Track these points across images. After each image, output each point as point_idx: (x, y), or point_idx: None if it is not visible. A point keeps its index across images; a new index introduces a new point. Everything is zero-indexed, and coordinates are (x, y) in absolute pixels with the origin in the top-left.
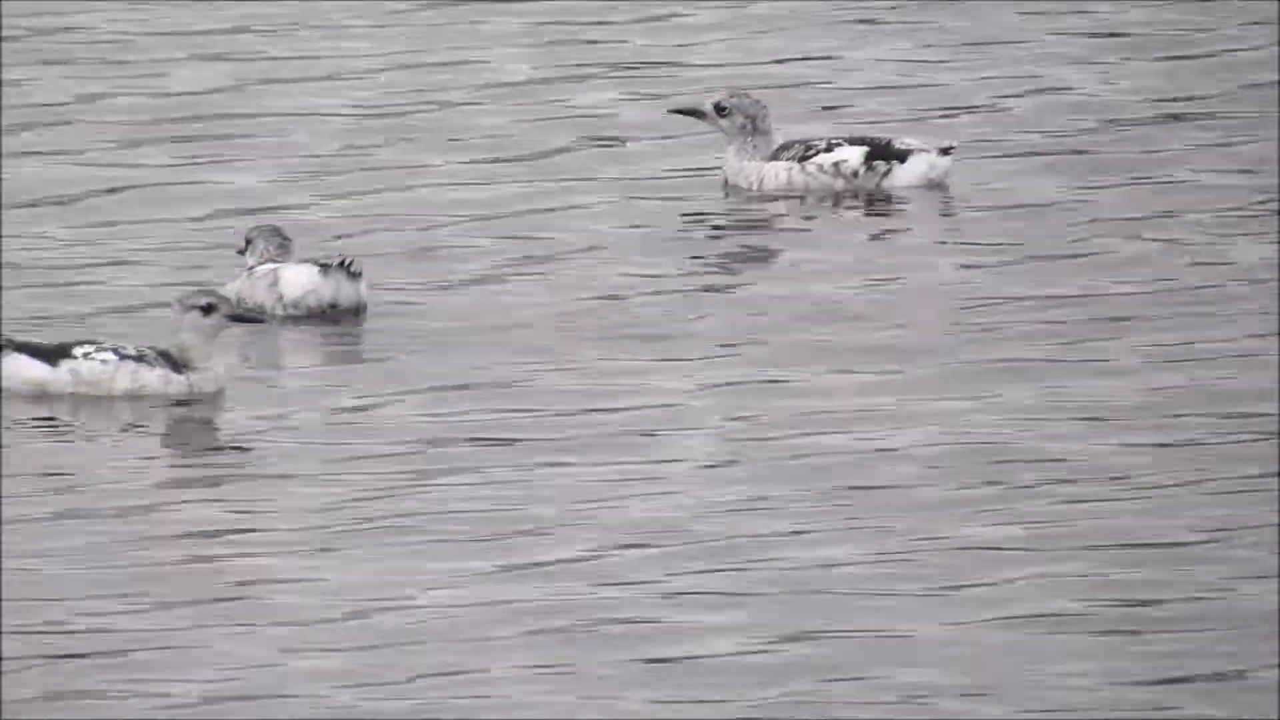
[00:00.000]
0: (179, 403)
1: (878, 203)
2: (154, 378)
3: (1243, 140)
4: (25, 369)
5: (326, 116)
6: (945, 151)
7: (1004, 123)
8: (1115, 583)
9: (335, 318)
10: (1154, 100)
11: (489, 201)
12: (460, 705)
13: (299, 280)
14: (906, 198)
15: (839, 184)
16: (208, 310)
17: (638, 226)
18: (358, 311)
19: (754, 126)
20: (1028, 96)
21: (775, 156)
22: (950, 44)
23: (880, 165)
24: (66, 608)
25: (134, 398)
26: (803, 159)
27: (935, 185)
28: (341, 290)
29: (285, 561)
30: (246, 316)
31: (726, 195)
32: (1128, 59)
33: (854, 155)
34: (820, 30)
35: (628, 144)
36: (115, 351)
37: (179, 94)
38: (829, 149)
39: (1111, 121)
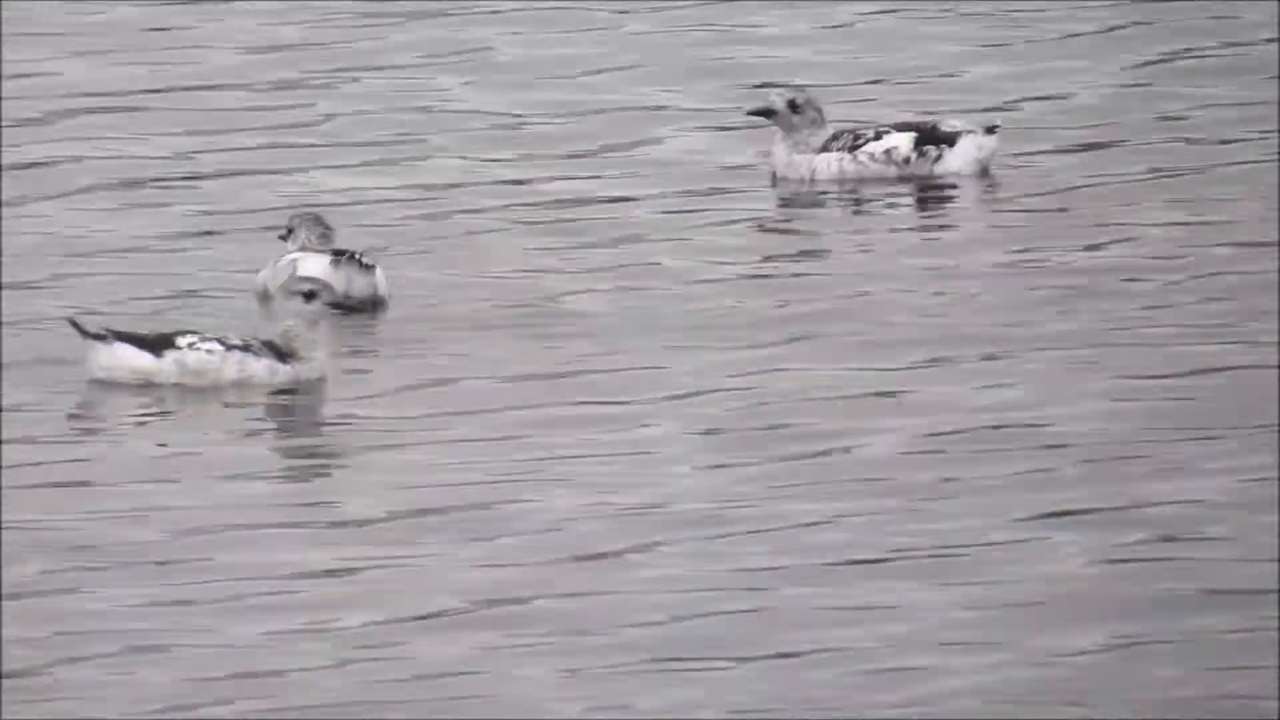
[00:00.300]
0: (282, 391)
1: (929, 189)
2: (260, 367)
3: None
4: (130, 359)
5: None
6: (991, 131)
7: (1039, 108)
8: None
9: (352, 309)
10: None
11: (546, 192)
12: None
13: (313, 271)
14: (956, 182)
15: (891, 171)
16: (309, 297)
17: (691, 220)
18: (375, 305)
19: (820, 118)
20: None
21: (825, 148)
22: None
23: (931, 150)
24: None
25: (240, 387)
26: (853, 148)
27: (983, 166)
28: (354, 282)
29: (391, 549)
30: (347, 304)
31: (775, 187)
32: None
33: (904, 141)
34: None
35: (665, 140)
36: (221, 341)
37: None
38: (878, 137)
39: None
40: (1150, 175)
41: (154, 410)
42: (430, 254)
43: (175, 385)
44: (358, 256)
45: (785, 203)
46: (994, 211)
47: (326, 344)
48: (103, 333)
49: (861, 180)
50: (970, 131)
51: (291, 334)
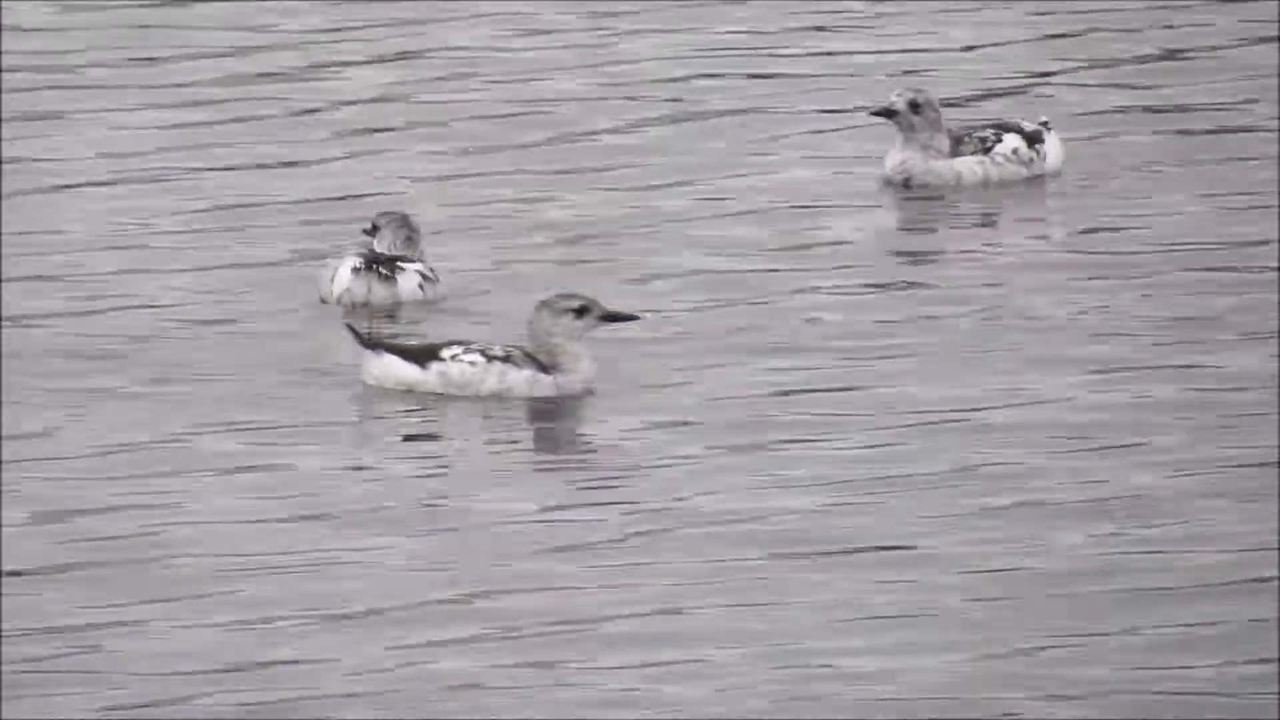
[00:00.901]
0: (545, 402)
1: (1040, 185)
2: (521, 379)
3: None
4: (397, 370)
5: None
6: (1047, 126)
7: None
8: None
9: (383, 315)
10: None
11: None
12: None
13: (340, 277)
14: (1052, 178)
15: (1022, 172)
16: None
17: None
18: (392, 313)
19: (940, 121)
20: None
21: (956, 151)
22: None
23: (1039, 149)
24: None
25: (500, 398)
26: (986, 150)
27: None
28: (374, 290)
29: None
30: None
31: (907, 190)
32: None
33: (1019, 141)
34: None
35: (778, 153)
36: (483, 353)
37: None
38: (998, 138)
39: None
40: (1164, 156)
41: (417, 420)
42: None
43: (439, 395)
44: (377, 267)
45: (938, 209)
46: (1099, 205)
47: (591, 356)
48: (374, 342)
49: (1001, 181)
50: (1044, 128)
51: (555, 346)
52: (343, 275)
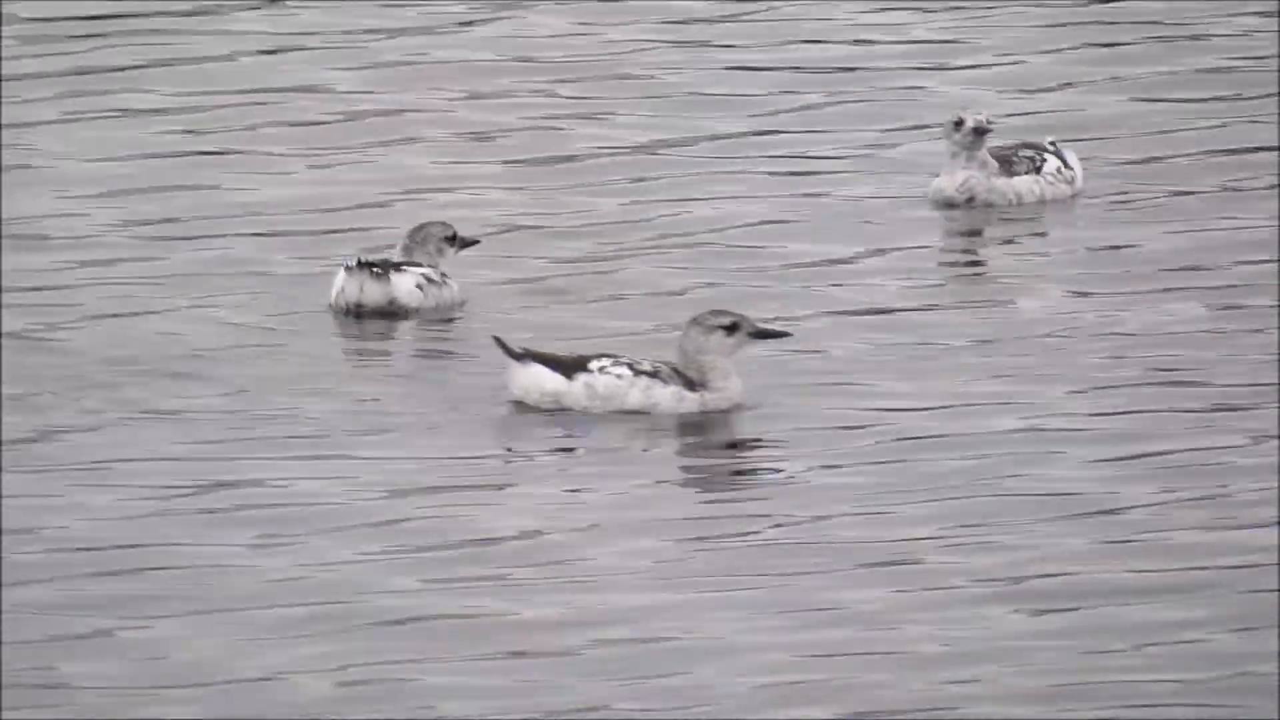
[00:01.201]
0: (692, 419)
1: (1077, 203)
2: (666, 394)
3: None
4: (543, 381)
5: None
6: (1054, 145)
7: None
8: None
9: (366, 316)
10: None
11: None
12: None
13: (337, 279)
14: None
15: (1067, 191)
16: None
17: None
18: (394, 313)
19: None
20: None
21: (1010, 171)
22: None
23: (1070, 167)
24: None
25: (645, 413)
26: (1037, 170)
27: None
28: (366, 290)
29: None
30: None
31: (969, 207)
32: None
33: (1058, 161)
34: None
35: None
36: (630, 366)
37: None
38: (1042, 158)
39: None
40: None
41: (563, 434)
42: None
43: (584, 409)
44: (369, 264)
45: (999, 226)
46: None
47: (738, 373)
48: (521, 353)
49: (1054, 200)
50: (1053, 147)
51: (704, 363)
52: (339, 277)
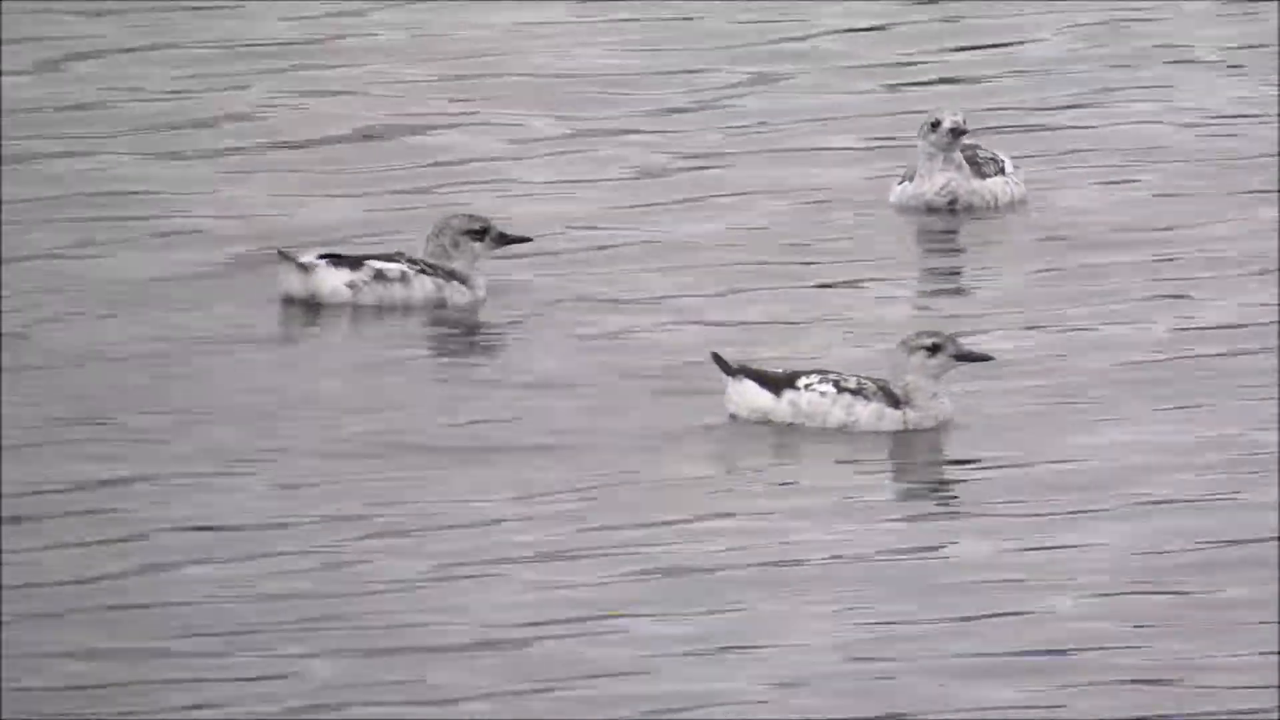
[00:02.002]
0: (896, 437)
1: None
2: (868, 412)
3: None
4: (753, 397)
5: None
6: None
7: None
8: None
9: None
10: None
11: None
12: None
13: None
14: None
15: (1024, 192)
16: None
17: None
18: (322, 306)
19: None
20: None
21: (981, 174)
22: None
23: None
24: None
25: (847, 431)
26: (1002, 171)
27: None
28: (289, 282)
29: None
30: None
31: (954, 212)
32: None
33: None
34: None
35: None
36: (836, 383)
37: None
38: (1001, 160)
39: None
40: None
41: (771, 449)
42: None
43: (790, 425)
44: (284, 253)
45: (992, 226)
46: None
47: (947, 394)
48: (736, 369)
49: (1022, 202)
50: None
51: (909, 384)
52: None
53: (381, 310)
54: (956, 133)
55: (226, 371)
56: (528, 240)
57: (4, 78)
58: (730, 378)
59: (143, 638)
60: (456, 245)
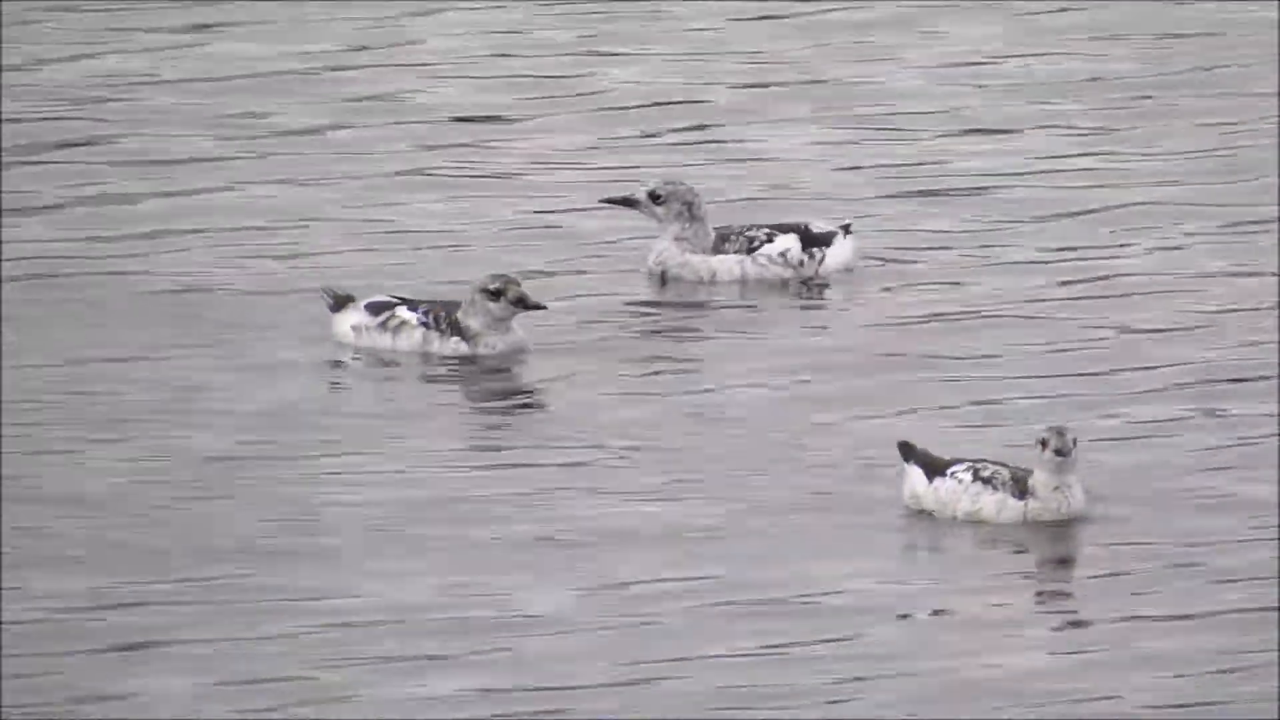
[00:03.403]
0: (1016, 528)
1: (816, 287)
2: (991, 502)
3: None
4: (912, 483)
5: None
6: (848, 230)
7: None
8: None
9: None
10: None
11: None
12: None
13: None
14: (833, 281)
15: (787, 273)
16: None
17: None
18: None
19: (690, 214)
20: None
21: (719, 249)
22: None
23: (816, 251)
24: None
25: (973, 522)
26: (750, 250)
27: (851, 265)
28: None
29: None
30: (530, 303)
31: (663, 286)
32: None
33: (795, 244)
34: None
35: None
36: (975, 471)
37: None
38: (769, 239)
39: None
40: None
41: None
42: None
43: (935, 514)
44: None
45: (684, 303)
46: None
47: (1076, 481)
48: (909, 454)
49: (760, 280)
50: (837, 232)
51: (1039, 481)
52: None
53: (377, 354)
54: (654, 199)
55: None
56: (541, 308)
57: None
58: (906, 464)
59: None
60: (473, 302)
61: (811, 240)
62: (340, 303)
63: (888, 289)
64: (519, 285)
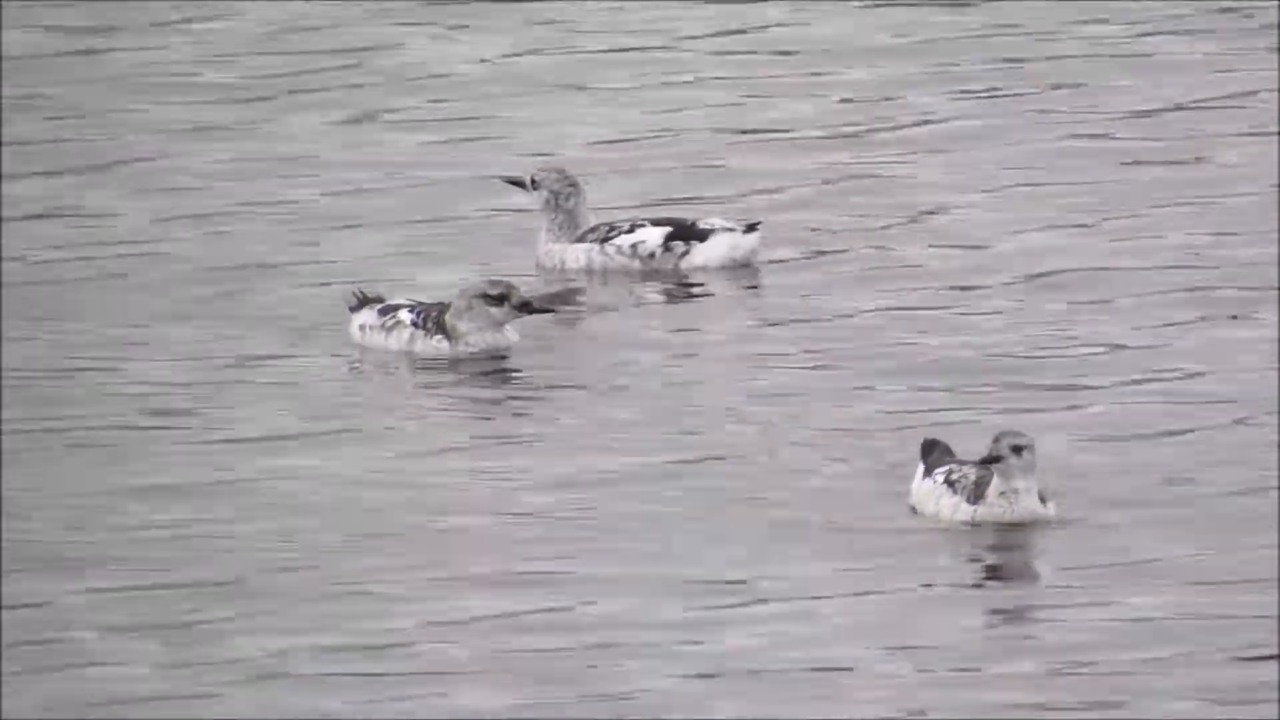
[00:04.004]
0: (967, 532)
1: (679, 284)
2: (949, 505)
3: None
4: (915, 480)
5: None
6: (751, 229)
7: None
8: None
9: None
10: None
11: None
12: None
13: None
14: (704, 279)
15: (635, 265)
16: (498, 300)
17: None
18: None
19: (557, 204)
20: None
21: (582, 238)
22: None
23: (678, 246)
24: None
25: (938, 522)
26: (604, 240)
27: (741, 264)
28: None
29: None
30: (535, 308)
31: (536, 273)
32: None
33: (653, 236)
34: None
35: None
36: (947, 473)
37: None
38: (631, 230)
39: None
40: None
41: None
42: None
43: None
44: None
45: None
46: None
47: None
48: (928, 450)
49: (608, 271)
50: (728, 229)
51: (992, 487)
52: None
53: (374, 353)
54: (532, 183)
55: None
56: (550, 311)
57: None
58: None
59: None
60: (470, 307)
61: (686, 235)
62: (361, 304)
63: (752, 287)
64: (519, 290)
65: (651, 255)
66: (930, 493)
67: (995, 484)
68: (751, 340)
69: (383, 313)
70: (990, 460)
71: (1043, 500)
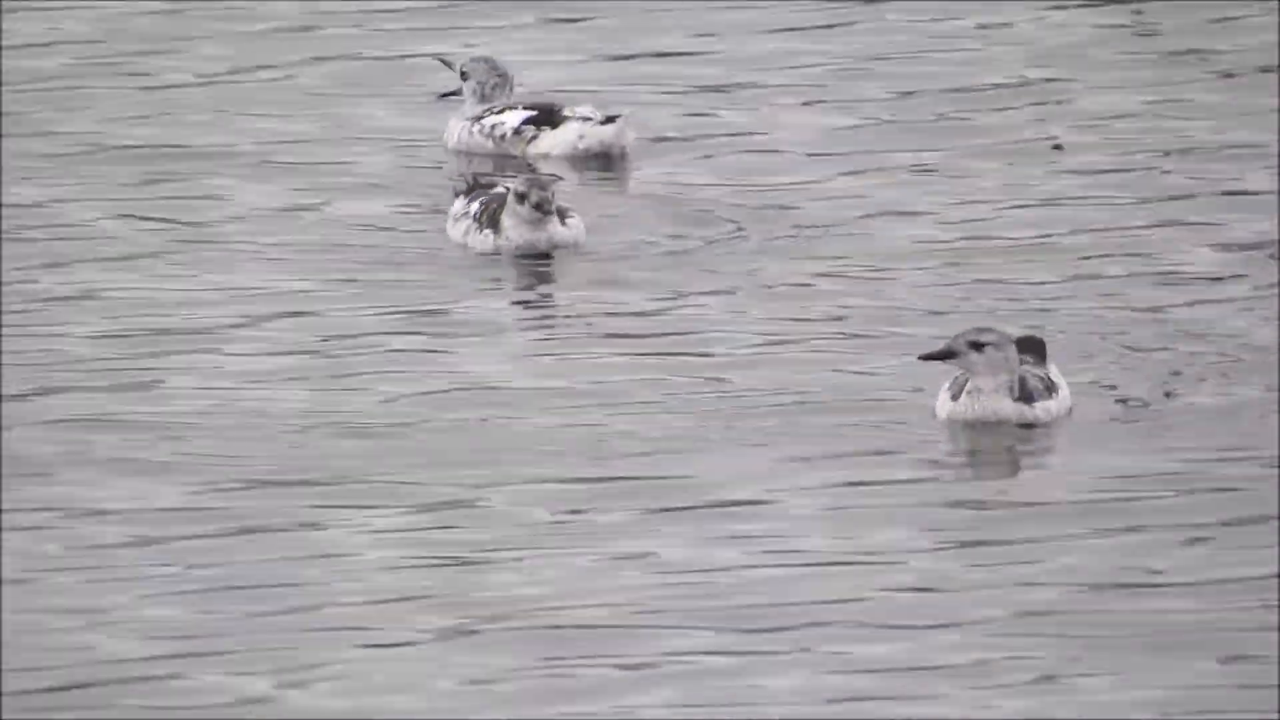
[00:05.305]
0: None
1: (525, 169)
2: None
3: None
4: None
5: None
6: (608, 120)
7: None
8: None
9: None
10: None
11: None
12: None
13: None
14: (552, 165)
15: (489, 146)
16: (520, 197)
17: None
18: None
19: (483, 94)
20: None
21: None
22: None
23: (528, 131)
24: None
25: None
26: (477, 119)
27: (595, 154)
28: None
29: None
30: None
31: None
32: None
33: (511, 120)
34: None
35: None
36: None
37: None
38: (502, 112)
39: None
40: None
41: None
42: None
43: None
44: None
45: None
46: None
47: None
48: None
49: (473, 151)
50: (586, 119)
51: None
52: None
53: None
54: (461, 74)
55: None
56: (551, 215)
57: None
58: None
59: None
60: (507, 204)
61: (545, 121)
62: (470, 190)
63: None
64: (544, 190)
65: (503, 138)
66: (941, 396)
67: (978, 383)
68: None
69: (471, 201)
70: (940, 355)
71: (1032, 398)
